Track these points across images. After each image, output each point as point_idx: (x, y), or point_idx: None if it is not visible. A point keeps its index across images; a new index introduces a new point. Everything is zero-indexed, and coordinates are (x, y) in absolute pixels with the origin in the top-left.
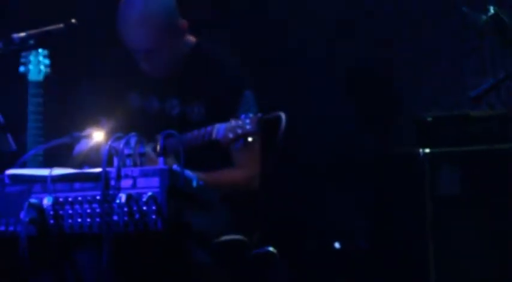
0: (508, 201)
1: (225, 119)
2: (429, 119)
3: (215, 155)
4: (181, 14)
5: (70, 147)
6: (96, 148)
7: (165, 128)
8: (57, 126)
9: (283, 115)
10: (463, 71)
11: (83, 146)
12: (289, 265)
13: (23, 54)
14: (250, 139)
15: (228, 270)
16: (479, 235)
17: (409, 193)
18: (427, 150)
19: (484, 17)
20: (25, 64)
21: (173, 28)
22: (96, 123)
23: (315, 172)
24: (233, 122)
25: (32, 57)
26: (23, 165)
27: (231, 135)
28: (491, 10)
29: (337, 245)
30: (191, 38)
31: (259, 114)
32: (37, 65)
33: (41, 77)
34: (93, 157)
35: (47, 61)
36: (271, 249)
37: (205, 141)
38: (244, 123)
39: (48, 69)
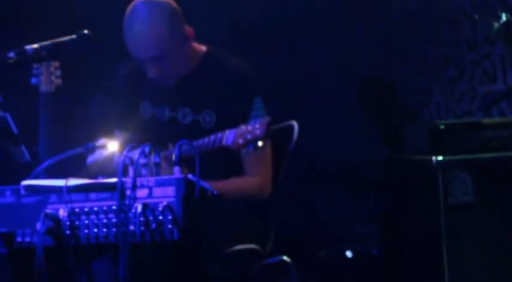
0: None
1: (235, 126)
2: (442, 126)
3: (226, 162)
4: (187, 22)
5: (84, 158)
6: (110, 158)
7: (177, 136)
8: (69, 137)
9: (295, 124)
10: (474, 79)
11: (97, 156)
12: (302, 274)
13: (35, 65)
14: (260, 143)
15: (241, 279)
16: (493, 243)
17: (422, 201)
18: (440, 158)
19: (495, 24)
20: (37, 75)
21: (178, 35)
22: (108, 133)
23: (326, 180)
24: (243, 127)
25: (43, 69)
26: (37, 176)
27: (241, 141)
28: (504, 17)
29: (349, 253)
30: (201, 47)
31: (268, 118)
32: (49, 76)
33: (52, 89)
34: (107, 167)
35: (58, 72)
36: (284, 258)
37: (215, 148)
38: (254, 128)
39: (59, 81)
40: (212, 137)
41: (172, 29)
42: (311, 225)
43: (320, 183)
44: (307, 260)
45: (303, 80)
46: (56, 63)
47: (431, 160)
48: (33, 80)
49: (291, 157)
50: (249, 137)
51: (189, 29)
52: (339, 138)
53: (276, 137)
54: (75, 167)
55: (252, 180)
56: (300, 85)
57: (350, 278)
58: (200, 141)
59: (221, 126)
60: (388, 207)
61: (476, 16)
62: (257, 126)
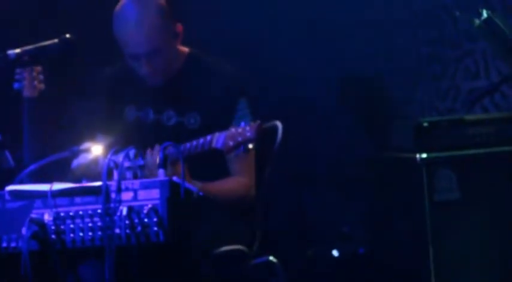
0: (506, 204)
1: (221, 127)
2: (425, 124)
3: (212, 164)
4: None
5: (68, 162)
6: (95, 162)
7: (161, 139)
8: (53, 142)
9: (279, 124)
10: (457, 75)
11: (82, 160)
12: (290, 274)
13: (18, 70)
14: (250, 146)
15: (228, 281)
16: (478, 239)
17: (407, 199)
18: (424, 155)
19: (477, 21)
20: (20, 80)
21: (170, 29)
22: (92, 138)
23: (312, 179)
24: (233, 130)
25: (26, 74)
26: (21, 181)
27: (231, 143)
28: (484, 14)
29: (335, 252)
30: (184, 48)
31: (259, 121)
32: (31, 81)
33: (35, 94)
34: (92, 171)
35: (41, 77)
36: (271, 258)
37: (205, 150)
38: (245, 130)
39: (42, 85)
40: (201, 140)
41: (165, 22)
42: (297, 225)
43: (305, 182)
44: (294, 260)
45: (287, 79)
46: (39, 68)
47: (415, 157)
48: (16, 85)
49: (276, 157)
50: (240, 139)
51: (179, 25)
52: (324, 137)
53: (261, 138)
54: (60, 171)
55: (242, 181)
56: (285, 84)
57: (337, 277)
58: (188, 144)
59: (206, 128)
60: (374, 205)
61: (457, 13)
62: (248, 128)
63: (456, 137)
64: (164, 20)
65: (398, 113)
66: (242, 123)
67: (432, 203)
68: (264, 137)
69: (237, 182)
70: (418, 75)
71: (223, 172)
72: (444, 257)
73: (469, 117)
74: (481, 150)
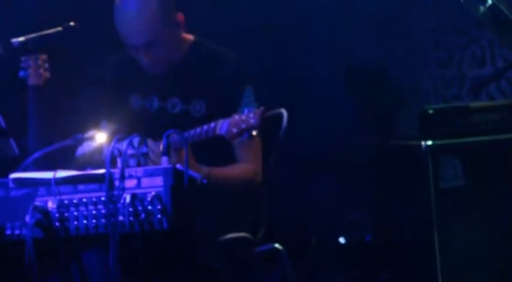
0: (511, 191)
1: (226, 114)
2: (430, 111)
3: (217, 151)
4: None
5: (72, 149)
6: (99, 150)
7: (166, 126)
8: (58, 130)
9: (284, 112)
10: (463, 63)
11: (86, 148)
12: (295, 261)
13: (23, 58)
14: (254, 133)
15: (233, 268)
16: (483, 226)
17: (413, 186)
18: (429, 143)
19: (482, 8)
20: (25, 68)
21: (170, 19)
22: (97, 125)
23: (318, 167)
24: (236, 117)
25: (31, 62)
26: (26, 169)
27: (235, 130)
28: (489, 1)
29: (342, 240)
30: (189, 36)
31: (262, 108)
32: (37, 69)
33: (40, 82)
34: (96, 159)
35: (46, 65)
36: (276, 245)
37: (209, 138)
38: (248, 117)
39: (47, 73)
40: (205, 127)
41: (164, 12)
42: (303, 212)
43: (312, 170)
44: (300, 247)
45: (292, 68)
46: (44, 56)
47: (420, 145)
48: (21, 73)
49: (281, 145)
50: (243, 126)
51: (180, 15)
52: (330, 125)
53: (266, 125)
54: (65, 159)
55: (248, 167)
56: (290, 72)
57: (343, 264)
58: (192, 131)
59: (211, 115)
60: (379, 193)
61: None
62: (251, 115)
63: (461, 125)
64: (163, 11)
65: (404, 100)
66: (246, 110)
67: (437, 191)
68: (268, 124)
69: (243, 168)
70: (424, 62)
71: (229, 158)
72: (449, 244)
73: (475, 104)
74: (487, 138)
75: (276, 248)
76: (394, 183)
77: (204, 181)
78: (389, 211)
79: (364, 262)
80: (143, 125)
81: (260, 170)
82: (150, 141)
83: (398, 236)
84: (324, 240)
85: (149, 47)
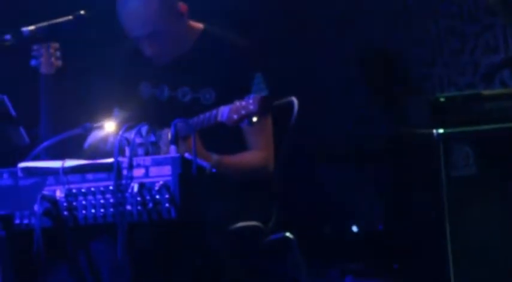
0: None
1: None
2: (442, 99)
3: (228, 138)
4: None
5: (83, 138)
6: (104, 141)
7: (177, 115)
8: (70, 119)
9: (295, 100)
10: (476, 50)
11: (92, 139)
12: (307, 250)
13: (35, 47)
14: (254, 119)
15: (244, 257)
16: (495, 214)
17: (424, 174)
18: (441, 131)
19: None
20: (36, 57)
21: (171, 10)
22: (108, 114)
23: (329, 155)
24: (237, 103)
25: (43, 50)
26: (36, 158)
27: (235, 117)
28: None
29: (354, 228)
30: (198, 24)
31: (262, 94)
32: (49, 58)
33: (52, 70)
34: (100, 150)
35: (58, 54)
36: (287, 234)
37: (211, 124)
38: (248, 103)
39: (59, 62)
40: (207, 114)
41: (165, 3)
42: (316, 201)
43: (322, 158)
44: (312, 236)
45: (303, 54)
46: (56, 45)
47: (432, 133)
48: (33, 62)
49: (292, 133)
50: (243, 112)
51: (182, 5)
52: (342, 113)
53: (277, 114)
54: (76, 148)
55: (257, 154)
56: (301, 59)
57: (356, 252)
58: (196, 119)
59: (221, 103)
60: (391, 181)
61: None
62: (251, 101)
63: (473, 113)
64: (164, 2)
65: (417, 88)
66: (246, 97)
67: (449, 179)
68: (272, 112)
69: (254, 155)
70: (437, 50)
71: (240, 145)
72: (461, 232)
73: (486, 92)
74: (498, 126)
75: (287, 237)
76: (405, 170)
77: (214, 170)
78: (401, 199)
79: (377, 251)
80: (154, 114)
81: (272, 157)
82: (163, 132)
83: (410, 225)
84: (336, 229)
85: (152, 38)
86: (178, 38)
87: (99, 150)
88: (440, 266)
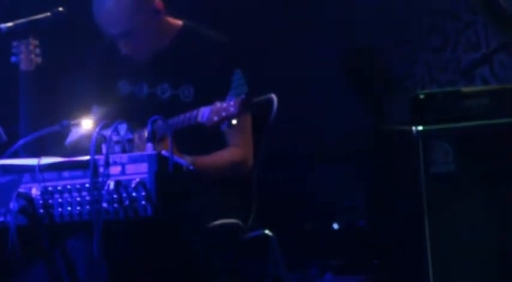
0: (503, 176)
1: (215, 99)
2: (421, 96)
3: (208, 137)
4: None
5: (63, 136)
6: (87, 136)
7: (156, 112)
8: (49, 116)
9: (274, 97)
10: (458, 48)
11: (74, 136)
12: (286, 247)
13: (14, 44)
14: (234, 122)
15: (223, 254)
16: (474, 211)
17: (404, 171)
18: (420, 128)
19: None
20: (16, 54)
21: (146, 8)
22: (87, 111)
23: (309, 153)
24: (218, 105)
25: (23, 47)
26: (15, 155)
27: (215, 118)
28: None
29: (335, 225)
30: (177, 21)
31: (243, 96)
32: (28, 54)
33: (32, 67)
34: (82, 146)
35: (37, 51)
36: (266, 231)
37: (191, 125)
38: (229, 105)
39: (39, 59)
40: (187, 114)
41: (138, 2)
42: (296, 198)
43: (303, 155)
44: (293, 233)
45: (284, 51)
46: (36, 42)
47: (411, 130)
48: (13, 59)
49: (272, 130)
50: (224, 114)
51: (158, 2)
52: (322, 110)
53: (256, 111)
54: (54, 145)
55: (236, 151)
56: (282, 56)
57: (337, 250)
58: (176, 119)
59: (200, 100)
60: (371, 178)
61: None
62: (231, 103)
63: (453, 110)
64: (135, 1)
65: (398, 85)
66: (227, 98)
67: (428, 176)
68: (252, 110)
69: (231, 152)
70: (418, 47)
71: (218, 144)
72: (440, 229)
73: (466, 89)
74: (478, 123)
75: (267, 234)
76: (385, 167)
77: (191, 168)
78: (381, 196)
79: (357, 247)
80: (133, 111)
81: (251, 154)
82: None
83: (391, 221)
84: (317, 226)
85: (126, 36)
86: (154, 35)
87: (81, 148)
88: (419, 262)
